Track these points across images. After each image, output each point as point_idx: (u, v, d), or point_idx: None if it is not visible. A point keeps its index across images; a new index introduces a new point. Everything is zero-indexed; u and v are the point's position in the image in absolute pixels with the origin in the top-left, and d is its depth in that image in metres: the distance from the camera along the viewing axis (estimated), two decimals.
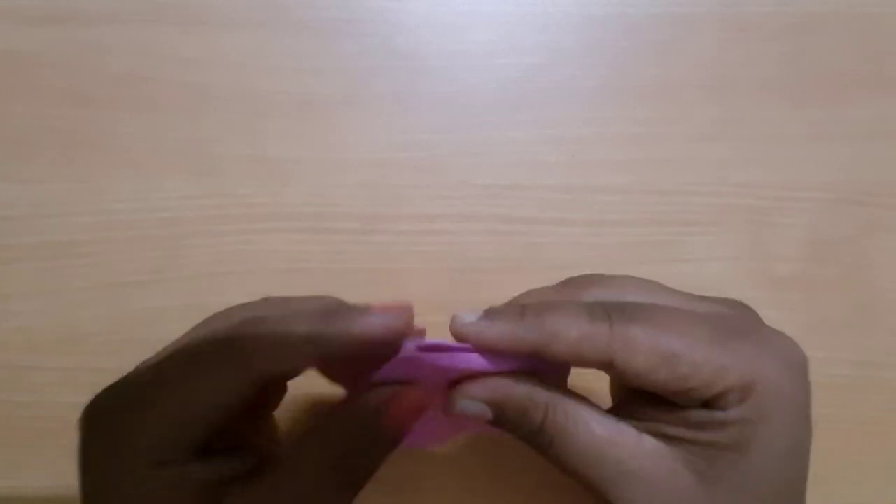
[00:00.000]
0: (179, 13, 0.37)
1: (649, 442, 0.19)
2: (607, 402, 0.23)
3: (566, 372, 0.22)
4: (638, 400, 0.20)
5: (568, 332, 0.18)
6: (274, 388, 0.24)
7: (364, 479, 0.19)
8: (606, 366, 0.19)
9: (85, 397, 0.35)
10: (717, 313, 0.20)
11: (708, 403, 0.19)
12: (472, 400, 0.19)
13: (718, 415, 0.18)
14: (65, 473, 0.35)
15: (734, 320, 0.20)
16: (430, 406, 0.20)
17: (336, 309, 0.20)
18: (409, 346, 0.20)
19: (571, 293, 0.21)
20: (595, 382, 0.23)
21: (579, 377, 0.22)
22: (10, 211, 0.35)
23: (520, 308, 0.19)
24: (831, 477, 0.34)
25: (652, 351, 0.18)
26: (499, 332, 0.19)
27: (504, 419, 0.20)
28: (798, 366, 0.19)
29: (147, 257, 0.35)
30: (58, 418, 0.34)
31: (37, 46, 0.36)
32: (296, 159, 0.36)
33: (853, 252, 0.36)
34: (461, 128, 0.36)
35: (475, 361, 0.19)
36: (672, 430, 0.19)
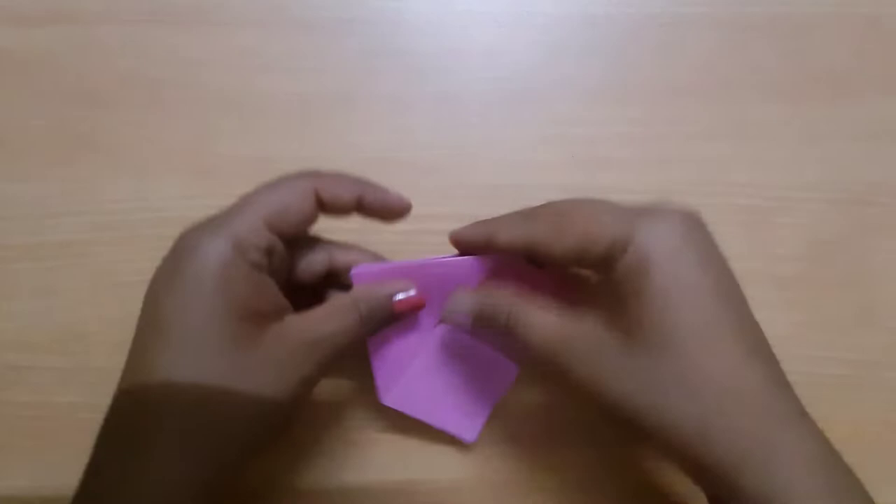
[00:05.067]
0: (180, 13, 0.37)
1: (584, 321, 0.24)
2: None
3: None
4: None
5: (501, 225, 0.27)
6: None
7: (377, 328, 0.27)
8: (531, 245, 0.25)
9: (85, 397, 0.35)
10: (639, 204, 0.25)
11: (604, 267, 0.23)
12: (457, 312, 0.27)
13: (612, 273, 0.23)
14: (65, 473, 0.35)
15: (645, 207, 0.24)
16: (423, 305, 0.28)
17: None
18: (416, 261, 0.29)
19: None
20: None
21: None
22: (10, 211, 0.35)
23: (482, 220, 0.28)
24: None
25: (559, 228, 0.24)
26: (470, 230, 0.28)
27: (482, 322, 0.27)
28: (679, 219, 0.24)
29: (147, 257, 0.35)
30: (58, 418, 0.34)
31: (37, 46, 0.36)
32: (295, 159, 0.36)
33: (853, 252, 0.36)
34: (461, 128, 0.36)
35: (455, 268, 0.28)
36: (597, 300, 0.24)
